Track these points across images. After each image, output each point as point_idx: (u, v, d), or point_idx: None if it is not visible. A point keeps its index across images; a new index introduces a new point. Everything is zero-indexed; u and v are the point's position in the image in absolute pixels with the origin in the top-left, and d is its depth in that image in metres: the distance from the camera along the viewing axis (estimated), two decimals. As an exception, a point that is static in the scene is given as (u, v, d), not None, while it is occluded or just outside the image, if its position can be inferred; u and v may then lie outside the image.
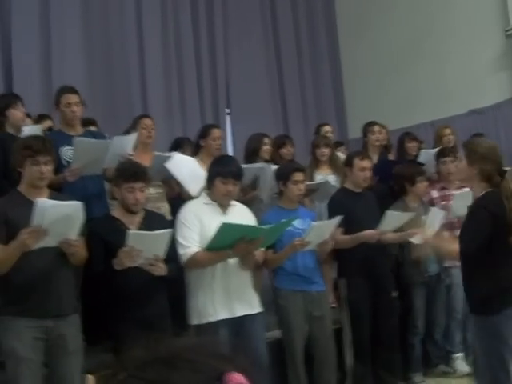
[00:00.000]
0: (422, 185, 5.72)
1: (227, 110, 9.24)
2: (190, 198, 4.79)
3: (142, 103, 8.24)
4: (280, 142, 6.50)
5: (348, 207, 5.07)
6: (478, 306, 3.83)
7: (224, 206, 4.37)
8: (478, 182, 3.84)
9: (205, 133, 5.81)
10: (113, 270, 3.98)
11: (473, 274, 3.83)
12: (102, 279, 4.21)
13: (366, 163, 5.31)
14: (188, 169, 5.15)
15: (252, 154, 6.13)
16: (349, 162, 5.38)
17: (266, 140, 6.26)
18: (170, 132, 7.82)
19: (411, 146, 6.86)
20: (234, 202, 4.46)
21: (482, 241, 3.73)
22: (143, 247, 3.91)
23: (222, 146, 5.93)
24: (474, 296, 3.86)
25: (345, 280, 5.25)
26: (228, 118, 9.23)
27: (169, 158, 5.18)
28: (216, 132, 5.86)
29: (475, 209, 3.85)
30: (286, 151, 6.39)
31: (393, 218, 4.97)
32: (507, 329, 3.70)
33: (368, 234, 5.00)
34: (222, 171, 4.32)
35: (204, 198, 4.42)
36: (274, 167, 5.47)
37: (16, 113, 4.87)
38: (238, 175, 4.38)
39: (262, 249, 4.53)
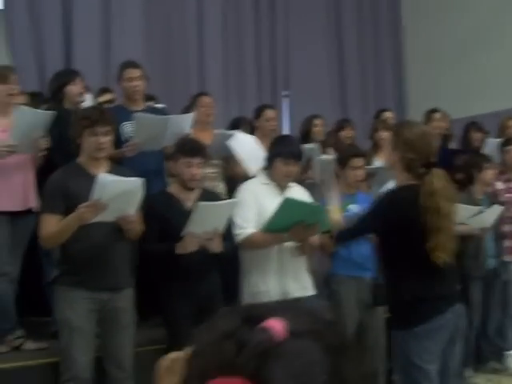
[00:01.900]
0: (490, 171, 5.57)
1: (285, 93, 9.17)
2: (247, 177, 4.77)
3: (199, 82, 8.22)
4: (340, 126, 6.47)
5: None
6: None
7: (282, 187, 4.32)
8: (400, 171, 3.38)
9: (259, 113, 5.79)
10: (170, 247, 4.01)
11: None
12: (156, 255, 4.24)
13: None
14: (249, 148, 5.12)
15: (305, 136, 6.11)
16: None
17: (317, 121, 6.26)
18: (227, 112, 7.79)
19: (476, 136, 6.70)
20: (292, 183, 4.41)
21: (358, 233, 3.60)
22: (206, 220, 3.91)
23: (276, 127, 5.86)
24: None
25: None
26: (286, 101, 9.15)
27: (231, 135, 5.15)
28: (270, 113, 5.82)
29: (379, 199, 3.52)
30: (345, 134, 6.35)
31: (462, 211, 4.83)
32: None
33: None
34: (283, 152, 4.27)
35: (262, 178, 4.37)
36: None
37: (74, 88, 4.87)
38: (298, 156, 4.33)
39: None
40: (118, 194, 3.62)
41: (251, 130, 5.78)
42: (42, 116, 4.42)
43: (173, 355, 1.07)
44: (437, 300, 3.29)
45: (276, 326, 0.81)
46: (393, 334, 3.47)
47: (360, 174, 4.81)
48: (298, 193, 4.41)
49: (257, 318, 0.83)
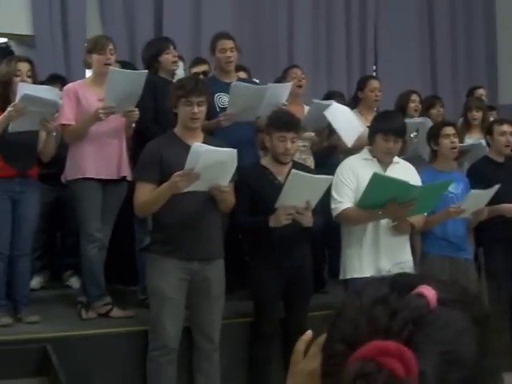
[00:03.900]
0: None
1: (374, 68, 8.98)
2: (342, 149, 4.69)
3: (288, 56, 8.12)
4: (429, 103, 6.31)
5: (488, 177, 4.85)
6: None
7: (385, 163, 4.22)
8: None
9: (363, 84, 5.68)
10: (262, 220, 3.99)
11: None
12: (247, 227, 4.24)
13: (507, 127, 5.14)
14: (345, 119, 5.01)
15: (400, 111, 5.95)
16: (489, 130, 5.27)
17: (414, 97, 6.10)
18: (315, 87, 7.66)
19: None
20: (397, 159, 4.30)
21: None
22: (299, 192, 3.89)
23: (380, 98, 5.74)
24: None
25: (483, 248, 5.05)
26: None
27: (327, 106, 5.05)
28: (374, 83, 5.71)
29: None
30: (435, 112, 6.19)
31: None
32: None
33: (506, 207, 4.80)
34: (383, 127, 4.17)
35: (364, 154, 4.29)
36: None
37: (168, 57, 4.86)
38: (400, 132, 4.20)
39: (425, 214, 4.35)
40: (211, 164, 3.61)
41: (354, 103, 5.71)
42: (135, 76, 4.39)
43: (307, 337, 1.06)
44: None
45: (428, 293, 0.83)
46: None
47: (455, 141, 4.76)
48: (403, 170, 4.29)
49: (407, 285, 0.85)
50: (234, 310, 4.49)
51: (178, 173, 3.60)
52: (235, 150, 3.70)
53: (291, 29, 8.26)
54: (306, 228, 4.04)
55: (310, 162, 5.16)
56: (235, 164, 3.75)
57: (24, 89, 4.09)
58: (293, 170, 3.94)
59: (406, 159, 4.52)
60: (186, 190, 3.65)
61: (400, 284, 0.86)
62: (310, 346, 1.04)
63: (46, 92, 4.20)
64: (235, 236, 4.79)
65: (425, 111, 6.17)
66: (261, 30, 8.03)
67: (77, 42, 6.48)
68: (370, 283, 0.89)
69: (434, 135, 4.79)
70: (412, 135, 5.40)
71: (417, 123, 5.55)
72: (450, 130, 4.76)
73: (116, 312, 4.50)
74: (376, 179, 3.90)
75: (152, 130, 4.43)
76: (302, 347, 1.07)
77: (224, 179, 3.76)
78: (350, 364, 0.79)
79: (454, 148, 4.77)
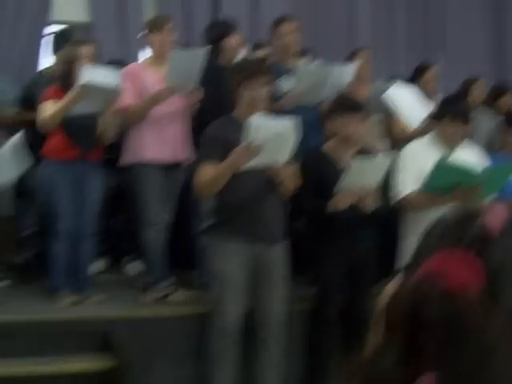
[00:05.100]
0: None
1: (438, 53, 8.76)
2: (406, 135, 4.63)
3: (347, 41, 7.97)
4: (499, 91, 6.10)
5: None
6: None
7: (450, 148, 4.15)
8: None
9: (421, 71, 5.64)
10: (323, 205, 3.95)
11: None
12: (308, 211, 4.20)
13: None
14: (409, 100, 4.89)
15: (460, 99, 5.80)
16: None
17: (478, 83, 5.90)
18: (375, 69, 7.52)
19: None
20: (464, 144, 4.24)
21: None
22: (359, 178, 3.85)
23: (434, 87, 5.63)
24: None
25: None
26: (440, 62, 8.75)
27: (389, 87, 4.95)
28: (431, 71, 5.65)
29: None
30: (505, 100, 5.98)
31: None
32: None
33: None
34: (450, 110, 4.15)
35: (429, 138, 4.23)
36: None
37: (231, 41, 4.79)
38: (466, 116, 4.17)
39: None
40: (270, 136, 3.59)
41: None
42: (195, 55, 4.33)
43: (391, 287, 1.04)
44: None
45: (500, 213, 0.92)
46: None
47: None
48: (470, 155, 4.22)
49: (477, 212, 0.95)
50: (295, 295, 4.42)
51: (238, 147, 3.60)
52: (293, 122, 3.66)
53: (351, 13, 8.13)
54: (369, 214, 3.99)
55: (381, 146, 5.02)
56: (294, 137, 3.69)
57: (87, 72, 4.12)
58: (353, 157, 3.90)
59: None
60: (246, 165, 3.63)
61: (473, 210, 0.96)
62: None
63: (107, 75, 4.21)
64: (297, 220, 4.72)
65: (493, 100, 6.00)
66: (320, 14, 7.91)
67: (133, 27, 6.47)
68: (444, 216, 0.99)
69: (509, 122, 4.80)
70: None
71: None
72: None
73: (178, 294, 4.48)
74: (440, 165, 3.87)
75: (210, 117, 4.38)
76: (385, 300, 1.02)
77: (284, 154, 3.72)
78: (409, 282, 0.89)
79: None
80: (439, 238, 0.93)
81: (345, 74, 4.72)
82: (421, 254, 0.95)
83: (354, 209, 3.92)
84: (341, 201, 3.87)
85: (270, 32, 5.05)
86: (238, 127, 3.75)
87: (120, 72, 4.39)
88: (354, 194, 3.89)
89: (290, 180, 3.86)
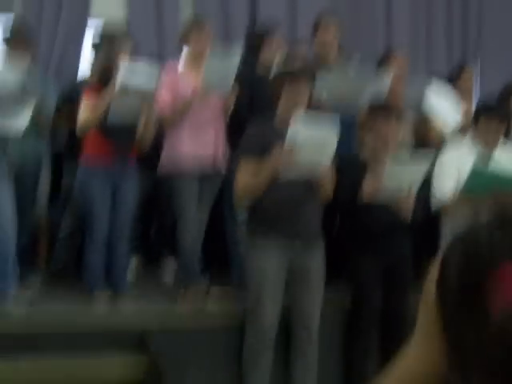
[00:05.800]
0: None
1: (476, 55, 8.63)
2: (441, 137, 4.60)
3: (385, 40, 7.88)
4: None
5: None
6: None
7: (489, 149, 4.12)
8: None
9: (460, 72, 5.61)
10: (359, 208, 3.95)
11: None
12: (347, 214, 4.19)
13: None
14: (445, 102, 4.81)
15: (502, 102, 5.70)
16: None
17: None
18: (413, 70, 7.43)
19: None
20: (504, 145, 4.20)
21: None
22: (397, 179, 3.84)
23: (472, 89, 5.68)
24: None
25: None
26: (477, 63, 8.63)
27: (428, 83, 4.93)
28: (469, 71, 5.65)
29: None
30: None
31: None
32: None
33: None
34: (486, 109, 4.16)
35: (469, 140, 4.21)
36: None
37: (271, 46, 4.77)
38: (502, 115, 4.16)
39: None
40: (310, 141, 3.61)
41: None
42: (231, 56, 4.33)
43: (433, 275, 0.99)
44: None
45: None
46: None
47: None
48: (508, 154, 4.19)
49: None
50: (330, 298, 4.38)
51: (278, 147, 3.63)
52: (334, 127, 3.67)
53: (389, 12, 8.04)
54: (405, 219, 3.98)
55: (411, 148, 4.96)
56: (334, 143, 3.70)
57: (125, 69, 4.13)
58: (387, 167, 3.85)
59: None
60: (285, 175, 3.66)
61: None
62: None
63: (145, 72, 4.21)
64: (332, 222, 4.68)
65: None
66: (357, 14, 7.83)
67: (170, 24, 6.46)
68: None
69: None
70: None
71: None
72: None
73: (214, 291, 4.48)
74: (475, 174, 3.85)
75: (247, 118, 4.35)
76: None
77: (324, 158, 3.74)
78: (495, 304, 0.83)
79: None
80: (490, 250, 0.88)
81: (380, 83, 4.64)
82: (470, 264, 0.90)
83: (392, 212, 3.91)
84: (370, 187, 3.85)
85: (311, 30, 5.02)
86: (279, 129, 3.78)
87: (158, 69, 4.38)
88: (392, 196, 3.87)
89: (330, 184, 3.87)
